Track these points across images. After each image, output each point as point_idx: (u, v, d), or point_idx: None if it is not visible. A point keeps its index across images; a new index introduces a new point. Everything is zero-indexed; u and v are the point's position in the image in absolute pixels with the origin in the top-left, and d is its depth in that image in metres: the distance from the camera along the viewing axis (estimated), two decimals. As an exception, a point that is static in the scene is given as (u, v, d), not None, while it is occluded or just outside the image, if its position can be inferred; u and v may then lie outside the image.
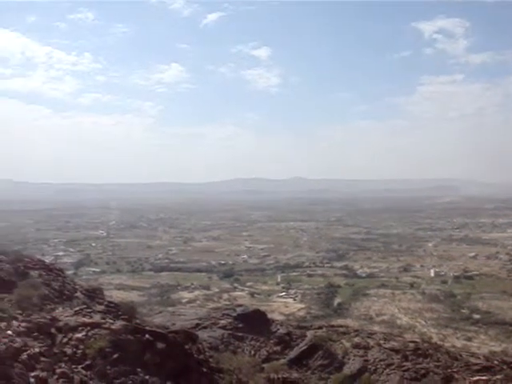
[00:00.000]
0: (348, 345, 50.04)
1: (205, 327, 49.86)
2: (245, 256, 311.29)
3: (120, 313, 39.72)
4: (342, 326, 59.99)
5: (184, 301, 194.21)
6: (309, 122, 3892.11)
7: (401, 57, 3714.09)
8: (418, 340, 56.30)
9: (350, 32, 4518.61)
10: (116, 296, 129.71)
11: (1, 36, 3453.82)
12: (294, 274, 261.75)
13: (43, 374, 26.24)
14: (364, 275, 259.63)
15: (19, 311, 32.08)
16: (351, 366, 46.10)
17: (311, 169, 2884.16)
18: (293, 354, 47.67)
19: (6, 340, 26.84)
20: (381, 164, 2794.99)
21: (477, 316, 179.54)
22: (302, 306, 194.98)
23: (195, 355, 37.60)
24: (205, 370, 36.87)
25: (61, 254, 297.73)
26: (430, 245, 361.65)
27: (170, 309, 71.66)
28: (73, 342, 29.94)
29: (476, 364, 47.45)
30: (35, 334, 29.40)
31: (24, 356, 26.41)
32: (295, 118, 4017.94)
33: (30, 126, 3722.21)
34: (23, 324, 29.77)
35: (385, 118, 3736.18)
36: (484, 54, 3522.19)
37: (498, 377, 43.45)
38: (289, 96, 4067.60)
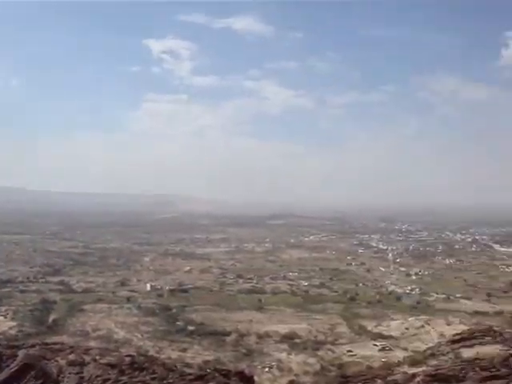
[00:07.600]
0: (63, 362, 48.15)
1: None
2: None
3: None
4: (56, 344, 57.75)
5: None
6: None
7: (131, 72, 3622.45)
8: (134, 354, 56.71)
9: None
10: None
11: None
12: (6, 289, 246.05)
13: None
14: (80, 290, 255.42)
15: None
16: (66, 384, 44.40)
17: None
18: (2, 375, 44.75)
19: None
20: (100, 177, 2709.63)
21: (191, 328, 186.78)
22: (14, 323, 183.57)
23: None
24: None
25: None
26: (146, 259, 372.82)
27: None
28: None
29: (190, 374, 48.89)
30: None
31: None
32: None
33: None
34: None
35: (109, 131, 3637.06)
36: (208, 77, 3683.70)
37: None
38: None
